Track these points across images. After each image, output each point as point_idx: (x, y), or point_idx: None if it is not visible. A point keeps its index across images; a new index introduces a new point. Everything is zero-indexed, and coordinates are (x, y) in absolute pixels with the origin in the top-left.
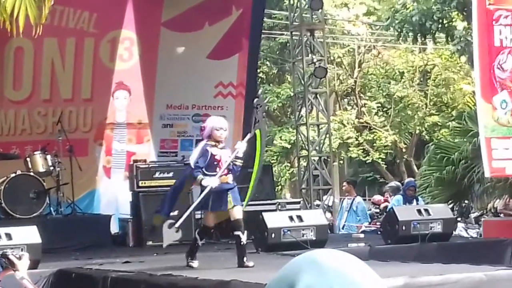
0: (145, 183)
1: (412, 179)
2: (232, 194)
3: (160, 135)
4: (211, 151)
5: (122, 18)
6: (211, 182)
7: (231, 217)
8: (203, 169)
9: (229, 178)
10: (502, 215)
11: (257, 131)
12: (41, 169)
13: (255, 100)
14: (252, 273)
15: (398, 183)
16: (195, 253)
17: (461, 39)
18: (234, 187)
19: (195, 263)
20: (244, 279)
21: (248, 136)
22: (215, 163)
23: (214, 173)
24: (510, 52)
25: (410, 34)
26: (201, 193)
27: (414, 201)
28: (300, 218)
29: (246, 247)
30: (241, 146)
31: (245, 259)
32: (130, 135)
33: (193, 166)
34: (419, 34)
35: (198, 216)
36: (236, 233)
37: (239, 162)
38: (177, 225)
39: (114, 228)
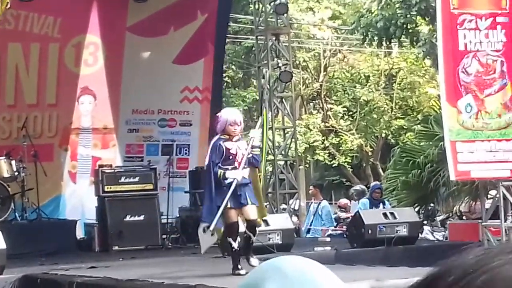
0: (110, 188)
1: (377, 182)
2: (248, 191)
3: (125, 140)
4: (224, 145)
5: (87, 23)
6: (235, 175)
7: (246, 216)
8: (219, 165)
9: (246, 173)
10: (464, 217)
11: (264, 112)
12: (6, 174)
13: (262, 81)
14: (221, 278)
15: (363, 187)
16: (238, 260)
17: (426, 41)
18: (250, 183)
19: (242, 271)
20: (210, 284)
21: (260, 120)
22: (231, 157)
23: (231, 167)
24: (474, 56)
25: (375, 38)
26: (219, 187)
27: (381, 204)
28: (266, 222)
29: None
30: (256, 134)
31: (250, 257)
32: (95, 140)
33: (208, 163)
34: (384, 39)
35: (164, 220)
36: (249, 233)
37: (257, 151)
38: (211, 228)
39: (79, 233)
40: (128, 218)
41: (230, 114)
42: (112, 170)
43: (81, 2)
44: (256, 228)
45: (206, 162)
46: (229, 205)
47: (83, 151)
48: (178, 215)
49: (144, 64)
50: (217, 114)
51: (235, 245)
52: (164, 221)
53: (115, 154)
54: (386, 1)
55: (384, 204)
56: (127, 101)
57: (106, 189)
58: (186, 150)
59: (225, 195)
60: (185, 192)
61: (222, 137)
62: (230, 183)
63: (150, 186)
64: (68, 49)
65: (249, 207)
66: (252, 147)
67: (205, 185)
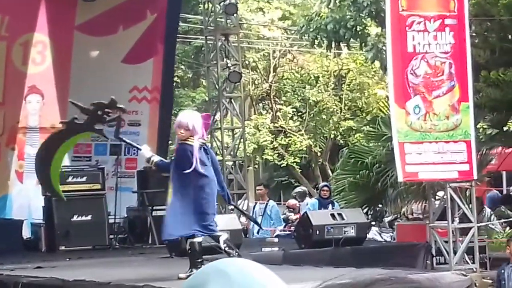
0: None
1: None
2: None
3: None
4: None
5: (35, 21)
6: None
7: None
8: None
9: None
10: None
11: None
12: None
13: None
14: (168, 279)
15: (305, 188)
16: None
17: (374, 46)
18: None
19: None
20: (157, 285)
21: None
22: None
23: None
24: (423, 58)
25: (325, 41)
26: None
27: (330, 205)
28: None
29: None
30: None
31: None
32: (43, 140)
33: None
34: (333, 41)
35: (111, 220)
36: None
37: None
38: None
39: (26, 233)
40: (75, 218)
41: (178, 117)
42: (60, 170)
43: (29, 0)
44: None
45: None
46: None
47: (30, 150)
48: (125, 215)
49: (92, 63)
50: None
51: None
52: (111, 221)
53: None
54: (335, 3)
55: (333, 205)
56: (75, 100)
57: None
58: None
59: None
60: (133, 192)
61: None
62: None
63: (98, 186)
64: (16, 48)
65: None
66: None
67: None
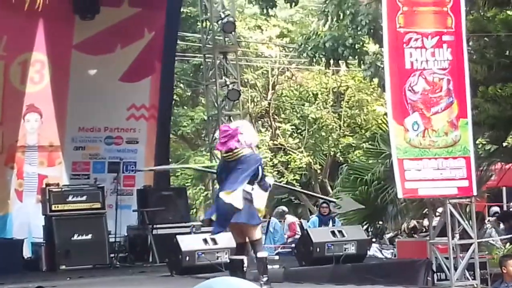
0: (58, 207)
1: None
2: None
3: (72, 157)
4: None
5: (33, 40)
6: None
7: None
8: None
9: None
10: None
11: None
12: None
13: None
14: None
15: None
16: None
17: (371, 64)
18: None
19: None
20: None
21: None
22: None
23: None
24: (420, 74)
25: (323, 59)
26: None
27: (330, 222)
28: (214, 241)
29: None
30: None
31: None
32: (41, 158)
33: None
34: (331, 59)
35: (111, 239)
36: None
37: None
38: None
39: (26, 252)
40: (75, 237)
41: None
42: (60, 189)
43: (27, 19)
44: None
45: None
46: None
47: (29, 169)
48: (126, 234)
49: (90, 82)
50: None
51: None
52: (112, 240)
53: (61, 172)
54: (333, 22)
55: (334, 221)
56: (73, 119)
57: (53, 208)
58: (132, 167)
59: None
60: (133, 211)
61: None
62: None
63: (98, 205)
64: (14, 67)
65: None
66: None
67: None
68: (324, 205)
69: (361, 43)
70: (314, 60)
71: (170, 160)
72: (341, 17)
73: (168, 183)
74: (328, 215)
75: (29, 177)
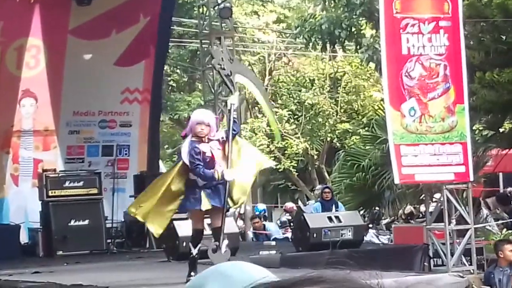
0: (55, 192)
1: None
2: (222, 191)
3: (66, 141)
4: (200, 148)
5: (29, 26)
6: (231, 175)
7: (213, 223)
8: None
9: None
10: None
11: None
12: None
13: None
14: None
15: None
16: (194, 266)
17: (368, 47)
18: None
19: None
20: None
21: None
22: (208, 160)
23: (211, 170)
24: (417, 60)
25: (320, 42)
26: (194, 189)
27: (333, 206)
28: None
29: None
30: (234, 101)
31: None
32: (37, 142)
33: (192, 168)
34: (328, 43)
35: (108, 225)
36: (214, 243)
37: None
38: (223, 247)
39: (24, 238)
40: (72, 222)
41: (198, 114)
42: (56, 175)
43: (23, 5)
44: (221, 234)
45: (187, 162)
46: (201, 207)
47: (24, 153)
48: (123, 220)
49: (85, 67)
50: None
51: (194, 251)
52: (109, 225)
53: (56, 156)
54: (330, 4)
55: (337, 205)
56: (68, 103)
57: (50, 194)
58: (126, 150)
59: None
60: (130, 196)
61: (193, 139)
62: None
63: (95, 191)
64: (10, 52)
65: (216, 212)
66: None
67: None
68: (327, 190)
69: (357, 27)
70: (311, 43)
71: (165, 145)
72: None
73: (158, 168)
74: (331, 200)
75: (25, 162)
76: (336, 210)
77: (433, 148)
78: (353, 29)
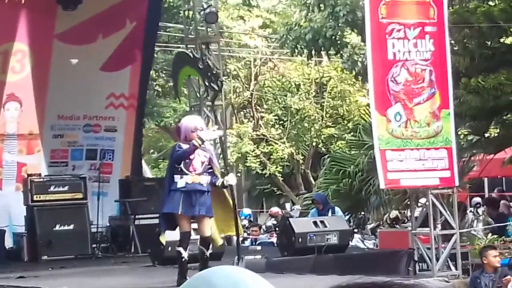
0: (40, 197)
1: (319, 192)
2: (205, 200)
3: (50, 145)
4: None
5: (15, 30)
6: (187, 179)
7: (200, 232)
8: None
9: (202, 179)
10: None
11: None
12: None
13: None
14: None
15: None
16: (185, 270)
17: (349, 57)
18: (208, 192)
19: None
20: None
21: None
22: (187, 161)
23: (187, 173)
24: (403, 65)
25: (305, 50)
26: (171, 194)
27: (329, 212)
28: (197, 231)
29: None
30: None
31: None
32: (20, 146)
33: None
34: (313, 50)
35: (93, 229)
36: (202, 248)
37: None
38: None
39: (8, 242)
40: (57, 227)
41: (190, 121)
42: (41, 179)
43: (9, 9)
44: (209, 244)
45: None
46: (180, 212)
47: (8, 157)
48: (108, 224)
49: (71, 71)
50: (178, 124)
51: (185, 254)
52: (94, 230)
53: (40, 160)
54: (313, 11)
55: (333, 211)
56: (53, 107)
57: (35, 198)
58: (110, 155)
59: (177, 202)
60: (115, 201)
61: (181, 143)
62: (183, 189)
63: (80, 195)
64: None
65: (205, 221)
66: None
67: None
68: (314, 201)
69: (341, 35)
70: (296, 51)
71: (151, 151)
72: (322, 8)
73: (141, 173)
74: (323, 209)
75: (8, 165)
76: (333, 215)
77: (418, 153)
78: (337, 38)
